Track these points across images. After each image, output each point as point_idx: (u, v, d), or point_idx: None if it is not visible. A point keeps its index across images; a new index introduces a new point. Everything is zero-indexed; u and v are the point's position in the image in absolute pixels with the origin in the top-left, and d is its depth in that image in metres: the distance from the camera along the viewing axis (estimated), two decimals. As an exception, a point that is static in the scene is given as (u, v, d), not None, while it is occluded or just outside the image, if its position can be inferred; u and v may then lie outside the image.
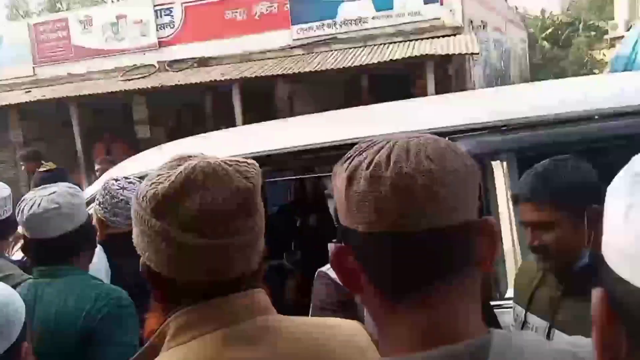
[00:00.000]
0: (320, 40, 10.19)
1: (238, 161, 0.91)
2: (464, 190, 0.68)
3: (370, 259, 0.70)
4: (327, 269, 1.72)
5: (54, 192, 1.70)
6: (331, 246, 0.73)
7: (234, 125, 9.72)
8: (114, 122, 11.71)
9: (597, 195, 1.42)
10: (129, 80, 11.31)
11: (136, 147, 11.37)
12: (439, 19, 9.52)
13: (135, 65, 11.80)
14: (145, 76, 11.36)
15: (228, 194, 0.87)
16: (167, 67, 11.42)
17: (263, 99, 10.45)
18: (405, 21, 9.71)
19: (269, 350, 0.88)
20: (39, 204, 1.65)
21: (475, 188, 0.71)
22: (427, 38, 9.23)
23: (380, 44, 9.50)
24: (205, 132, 10.93)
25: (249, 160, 0.94)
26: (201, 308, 0.89)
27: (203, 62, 11.22)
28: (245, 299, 0.91)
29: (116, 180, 2.11)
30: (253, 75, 9.38)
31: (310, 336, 0.95)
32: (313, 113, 11.02)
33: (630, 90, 2.22)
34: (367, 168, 0.68)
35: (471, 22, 9.84)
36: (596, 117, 2.07)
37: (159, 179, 0.88)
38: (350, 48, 9.76)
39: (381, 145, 0.70)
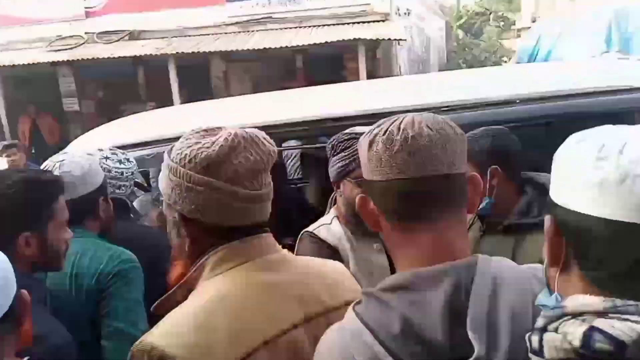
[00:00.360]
0: (256, 19, 10.29)
1: (258, 131, 1.16)
2: (453, 151, 0.91)
3: (385, 200, 0.93)
4: (313, 229, 1.96)
5: (62, 161, 1.79)
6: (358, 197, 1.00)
7: (170, 99, 9.68)
8: (40, 94, 11.20)
9: (501, 160, 1.87)
10: (55, 51, 10.83)
11: (64, 120, 10.98)
12: (369, 4, 9.92)
13: (61, 35, 11.30)
14: (72, 47, 10.93)
15: (262, 154, 1.11)
16: (96, 39, 11.04)
17: (198, 75, 10.43)
18: (337, 4, 10.03)
19: (287, 274, 1.15)
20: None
21: (464, 151, 0.94)
22: (358, 22, 9.60)
23: (314, 26, 9.77)
24: (138, 105, 10.66)
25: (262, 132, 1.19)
26: (235, 246, 1.12)
27: (134, 35, 10.96)
28: (264, 238, 1.16)
29: (100, 150, 2.11)
30: (190, 51, 9.33)
31: (314, 265, 1.26)
32: (249, 90, 11.09)
33: (546, 78, 2.72)
34: (384, 134, 0.91)
35: (398, 9, 10.34)
36: (517, 100, 2.56)
37: (204, 145, 1.08)
38: (285, 28, 9.96)
39: (395, 119, 0.94)
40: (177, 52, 9.41)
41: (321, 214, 2.10)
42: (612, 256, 0.72)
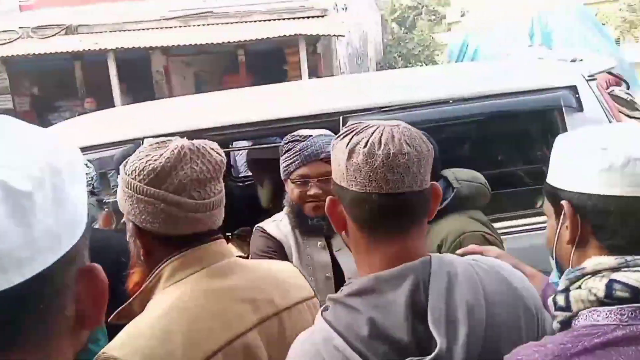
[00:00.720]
0: (196, 14, 10.05)
1: (206, 142, 1.18)
2: (425, 167, 0.93)
3: (358, 210, 0.94)
4: (263, 224, 2.00)
5: None
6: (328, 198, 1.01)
7: (109, 95, 9.33)
8: (-28, 91, 10.51)
9: None
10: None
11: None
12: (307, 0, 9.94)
13: (-8, 30, 10.60)
14: (6, 42, 10.28)
15: (208, 165, 1.11)
16: (30, 34, 10.44)
17: (138, 70, 10.09)
18: (277, 0, 9.98)
19: (240, 278, 1.18)
20: None
21: (431, 164, 0.96)
22: (298, 18, 9.58)
23: (255, 21, 9.66)
24: (75, 101, 10.08)
25: (213, 142, 1.20)
26: (188, 254, 1.13)
27: (71, 29, 10.44)
28: (217, 245, 1.17)
29: None
30: (130, 46, 9.00)
31: (265, 267, 1.29)
32: (191, 85, 10.80)
33: (477, 79, 2.82)
34: (365, 146, 0.91)
35: (336, 4, 10.37)
36: (450, 100, 2.65)
37: (152, 157, 1.09)
38: (226, 23, 9.79)
39: (373, 129, 0.93)
40: (116, 47, 9.06)
41: (268, 210, 2.13)
42: (623, 225, 0.86)
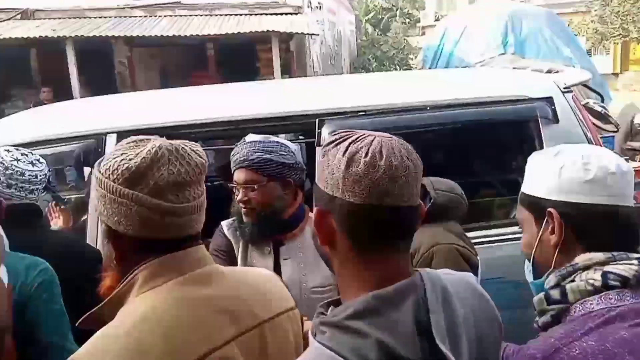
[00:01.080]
0: (163, 4, 9.89)
1: (187, 143, 1.13)
2: (419, 182, 0.93)
3: (355, 223, 0.90)
4: (225, 222, 2.03)
5: None
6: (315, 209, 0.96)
7: (67, 85, 9.07)
8: None
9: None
10: None
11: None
12: (281, -5, 9.90)
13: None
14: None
15: (188, 167, 1.08)
16: (-18, 17, 10.06)
17: (100, 60, 9.86)
18: (249, -6, 9.91)
19: (219, 288, 1.14)
20: None
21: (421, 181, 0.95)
22: (271, 14, 9.53)
23: (226, 15, 9.56)
24: (30, 90, 9.75)
25: (195, 143, 1.17)
26: (164, 260, 1.09)
27: (27, 14, 10.12)
28: (196, 252, 1.13)
29: (8, 151, 2.00)
30: (90, 34, 8.77)
31: (246, 276, 1.26)
32: (156, 78, 10.59)
33: (454, 86, 2.84)
34: (366, 156, 0.88)
35: (310, 2, 10.38)
36: (428, 107, 2.66)
37: (128, 156, 1.06)
38: (194, 15, 9.66)
39: (372, 139, 0.91)
40: (75, 35, 8.81)
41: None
42: (603, 228, 1.07)
